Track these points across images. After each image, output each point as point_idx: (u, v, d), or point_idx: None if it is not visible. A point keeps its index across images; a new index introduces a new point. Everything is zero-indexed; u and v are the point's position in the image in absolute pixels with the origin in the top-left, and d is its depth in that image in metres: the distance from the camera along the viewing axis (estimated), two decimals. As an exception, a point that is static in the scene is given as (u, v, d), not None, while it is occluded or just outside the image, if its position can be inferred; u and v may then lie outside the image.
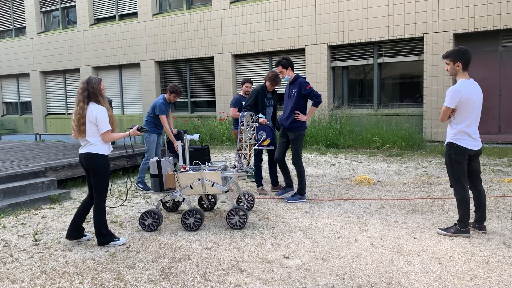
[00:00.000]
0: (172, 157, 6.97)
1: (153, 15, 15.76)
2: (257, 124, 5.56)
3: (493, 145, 10.34)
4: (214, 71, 14.67)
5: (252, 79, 7.81)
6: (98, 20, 17.39)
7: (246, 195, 5.61)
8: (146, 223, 4.86)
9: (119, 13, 16.77)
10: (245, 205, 5.52)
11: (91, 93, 4.30)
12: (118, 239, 4.52)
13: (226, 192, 4.91)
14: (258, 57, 14.09)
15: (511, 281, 3.30)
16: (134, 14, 16.31)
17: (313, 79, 12.88)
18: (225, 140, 12.57)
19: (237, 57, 14.38)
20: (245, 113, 5.23)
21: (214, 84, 14.65)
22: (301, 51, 13.22)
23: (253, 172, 5.32)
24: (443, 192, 6.26)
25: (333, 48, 12.84)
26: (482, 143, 10.99)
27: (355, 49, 12.56)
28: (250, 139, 5.27)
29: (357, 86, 12.93)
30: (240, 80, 14.34)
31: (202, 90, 15.18)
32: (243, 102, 7.52)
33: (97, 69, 17.48)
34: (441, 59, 4.67)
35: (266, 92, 6.60)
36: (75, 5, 17.68)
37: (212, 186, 4.87)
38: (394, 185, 6.85)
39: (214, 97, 14.73)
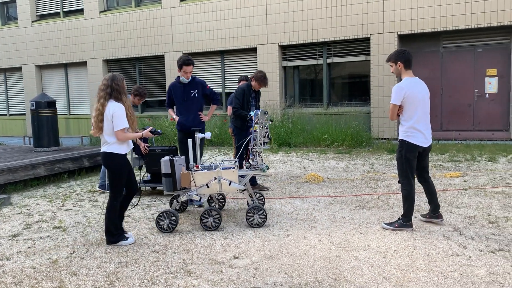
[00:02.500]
0: (139, 159, 6.80)
1: (100, 12, 15.26)
2: (270, 122, 5.53)
3: (435, 142, 10.85)
4: (164, 70, 14.42)
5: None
6: (42, 17, 16.62)
7: (216, 194, 5.54)
8: (163, 224, 4.73)
9: (64, 10, 16.11)
10: (216, 205, 5.45)
11: (114, 89, 4.21)
12: (127, 238, 4.39)
13: (243, 190, 4.89)
14: (209, 56, 13.99)
15: (450, 272, 3.46)
16: (80, 11, 15.72)
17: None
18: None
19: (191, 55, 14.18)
20: (259, 111, 5.20)
21: (165, 83, 14.39)
22: (253, 50, 13.27)
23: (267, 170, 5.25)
24: (388, 187, 6.48)
25: (284, 48, 12.98)
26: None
27: (305, 49, 12.76)
28: (265, 136, 5.24)
29: (308, 86, 13.15)
30: (192, 79, 14.17)
31: (152, 89, 14.88)
32: None
33: (40, 67, 16.70)
34: (385, 62, 4.86)
35: (251, 91, 6.64)
36: (15, 0, 16.78)
37: (230, 184, 4.79)
38: (343, 181, 7.02)
39: (165, 96, 14.47)
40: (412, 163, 4.47)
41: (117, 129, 4.18)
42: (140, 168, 6.81)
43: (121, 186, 4.39)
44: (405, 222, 4.51)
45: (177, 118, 6.04)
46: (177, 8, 14.02)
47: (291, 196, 6.18)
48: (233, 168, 4.92)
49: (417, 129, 4.42)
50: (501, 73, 10.91)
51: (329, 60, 12.53)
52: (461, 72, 11.26)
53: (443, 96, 11.48)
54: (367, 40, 11.90)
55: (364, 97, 12.28)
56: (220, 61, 13.87)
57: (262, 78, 6.57)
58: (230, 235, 4.56)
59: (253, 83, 6.65)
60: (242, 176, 5.00)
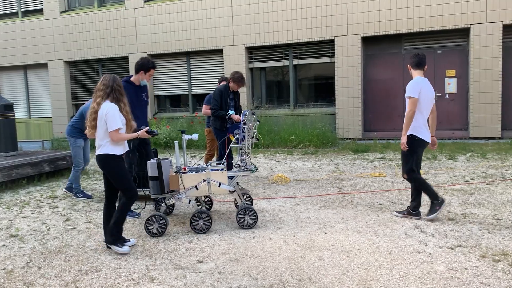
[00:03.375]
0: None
1: (61, 12, 14.82)
2: (257, 123, 5.50)
3: (398, 141, 11.11)
4: (129, 71, 14.14)
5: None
6: (-2, 16, 15.97)
7: (203, 197, 5.45)
8: (152, 228, 4.62)
9: (22, 9, 15.54)
10: (203, 207, 5.37)
11: (116, 90, 4.12)
12: (122, 246, 4.19)
13: (233, 192, 4.82)
14: (175, 57, 13.83)
15: (411, 269, 3.53)
16: (40, 11, 15.21)
17: (231, 80, 12.91)
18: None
19: (153, 57, 13.99)
20: (247, 111, 5.15)
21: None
22: (219, 52, 13.21)
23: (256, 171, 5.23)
24: (352, 187, 6.57)
25: (250, 50, 12.98)
26: (389, 140, 11.78)
27: (271, 51, 12.81)
28: (253, 137, 5.20)
29: (275, 87, 13.20)
30: (159, 79, 13.99)
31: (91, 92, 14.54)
32: None
33: (-2, 69, 16.04)
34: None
35: (229, 92, 6.61)
36: (-30, -1, 16.06)
37: (219, 186, 4.72)
38: (309, 182, 7.07)
39: (130, 98, 14.19)
40: (419, 157, 4.78)
41: (111, 130, 4.06)
42: None
43: (131, 184, 4.20)
44: (438, 203, 4.67)
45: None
46: (141, 9, 13.79)
47: (258, 198, 6.17)
48: (222, 169, 4.87)
49: (425, 126, 4.71)
50: (460, 74, 11.30)
51: (295, 62, 12.63)
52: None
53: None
54: (331, 42, 12.06)
55: (329, 98, 12.44)
56: (186, 63, 13.73)
57: (239, 79, 6.57)
58: (194, 239, 4.50)
59: (230, 84, 6.64)
60: (231, 177, 5.00)
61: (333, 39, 11.93)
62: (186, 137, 5.01)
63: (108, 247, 4.27)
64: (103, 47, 14.34)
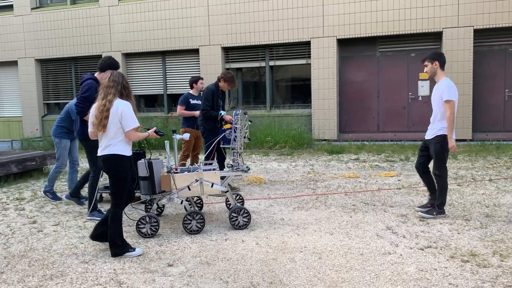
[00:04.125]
0: None
1: (32, 9, 14.42)
2: (249, 123, 5.42)
3: (372, 143, 11.24)
4: (103, 71, 13.85)
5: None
6: (-35, 12, 15.42)
7: (194, 197, 5.39)
8: (143, 229, 4.54)
9: (-9, 5, 15.05)
10: (193, 207, 5.27)
11: (125, 87, 4.02)
12: (134, 249, 4.05)
13: (226, 192, 4.77)
14: (150, 57, 13.64)
15: (381, 270, 3.54)
16: (10, 7, 14.76)
17: (208, 80, 12.79)
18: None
19: (128, 56, 13.77)
20: (239, 111, 5.08)
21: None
22: (195, 51, 13.10)
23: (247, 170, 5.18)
24: (326, 188, 6.59)
25: (227, 50, 12.92)
26: (363, 141, 11.88)
27: (248, 52, 12.77)
28: (245, 137, 5.13)
29: (251, 88, 13.17)
30: (134, 79, 13.76)
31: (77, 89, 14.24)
32: (191, 100, 7.29)
33: (-35, 66, 15.49)
34: (421, 62, 5.09)
35: (219, 92, 6.56)
36: None
37: (212, 186, 4.66)
38: (283, 183, 7.06)
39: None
40: (448, 155, 4.89)
41: (129, 129, 3.95)
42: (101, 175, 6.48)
43: (125, 192, 4.07)
44: (439, 211, 4.82)
45: None
46: (116, 7, 13.54)
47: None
48: (215, 169, 4.81)
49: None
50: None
51: (271, 63, 12.63)
52: (396, 76, 11.75)
53: (380, 99, 11.93)
54: (307, 43, 12.11)
55: (305, 99, 12.48)
56: (161, 62, 13.56)
57: (232, 79, 6.53)
58: (165, 242, 4.41)
59: (221, 83, 6.56)
60: (223, 178, 4.96)
61: (309, 41, 11.98)
62: (177, 136, 4.96)
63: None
64: (76, 45, 14.02)
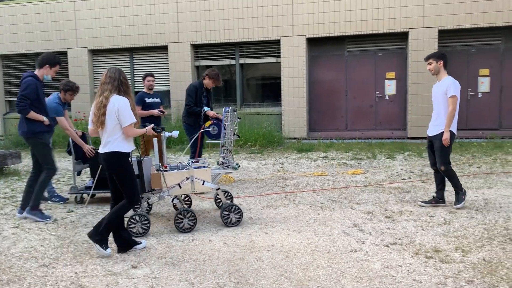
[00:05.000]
0: (80, 164, 6.15)
1: (-8, 1, 13.83)
2: (238, 120, 5.36)
3: (341, 141, 11.37)
4: (68, 67, 13.47)
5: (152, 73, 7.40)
6: None
7: (182, 195, 5.29)
8: (134, 228, 4.46)
9: None
10: (179, 206, 5.20)
11: (123, 83, 3.92)
12: (106, 248, 3.92)
13: (218, 189, 4.74)
14: (118, 53, 13.34)
15: (348, 268, 3.56)
16: (-32, -1, 14.11)
17: (177, 78, 12.66)
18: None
19: (94, 52, 13.43)
20: (229, 108, 4.99)
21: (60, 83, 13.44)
22: (164, 48, 12.89)
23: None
24: (295, 186, 6.60)
25: (196, 47, 12.78)
26: (332, 139, 11.98)
27: (218, 49, 12.68)
28: (234, 134, 5.05)
29: (222, 86, 13.07)
30: (100, 76, 13.41)
31: (54, 87, 13.80)
32: (146, 99, 7.01)
33: None
34: (424, 60, 5.25)
35: (203, 89, 6.51)
36: None
37: (203, 184, 4.62)
38: (253, 181, 7.03)
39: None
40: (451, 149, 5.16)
41: (126, 125, 3.85)
42: (79, 173, 6.21)
43: (136, 188, 3.96)
44: (463, 193, 5.11)
45: (46, 120, 5.18)
46: (81, 2, 13.16)
47: (200, 198, 6.03)
48: (206, 166, 4.75)
49: (456, 121, 5.05)
50: (399, 76, 11.74)
51: (241, 61, 12.58)
52: (363, 75, 11.93)
53: (348, 98, 12.08)
54: (277, 42, 12.13)
55: (276, 98, 12.50)
56: (129, 59, 13.28)
57: (217, 76, 6.52)
58: (130, 243, 4.29)
59: (206, 81, 6.53)
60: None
61: (279, 40, 12.00)
62: (166, 134, 4.88)
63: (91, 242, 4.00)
64: (39, 41, 13.56)
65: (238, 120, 5.41)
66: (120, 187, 3.95)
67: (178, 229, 4.55)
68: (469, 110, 11.50)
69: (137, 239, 4.27)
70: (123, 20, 12.94)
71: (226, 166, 5.06)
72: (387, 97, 11.87)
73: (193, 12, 12.43)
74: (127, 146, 3.94)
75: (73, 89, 6.04)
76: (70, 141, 5.99)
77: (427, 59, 5.15)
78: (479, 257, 3.64)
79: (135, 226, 4.45)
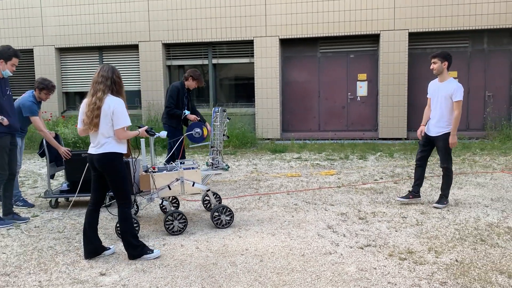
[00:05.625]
0: (54, 166, 5.84)
1: (-48, -4, 13.20)
2: (227, 120, 5.25)
3: (313, 141, 11.41)
4: (34, 65, 13.01)
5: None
6: None
7: (170, 196, 5.16)
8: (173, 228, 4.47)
9: None
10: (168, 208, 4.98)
11: (116, 83, 3.76)
12: (152, 251, 3.86)
13: (208, 191, 4.69)
14: (86, 52, 12.97)
15: (322, 271, 3.51)
16: None
17: (148, 77, 12.41)
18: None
19: (62, 50, 13.01)
20: (219, 108, 4.93)
21: (35, 80, 12.98)
22: (135, 47, 12.62)
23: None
24: (269, 188, 6.55)
25: (168, 46, 12.57)
26: (305, 140, 12.00)
27: (190, 49, 12.51)
28: (224, 135, 5.01)
29: (204, 86, 12.89)
30: (68, 75, 13.02)
31: (19, 86, 13.30)
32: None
33: None
34: (429, 58, 5.30)
35: (185, 90, 6.46)
36: None
37: (193, 185, 4.58)
38: (226, 183, 6.93)
39: (35, 95, 13.05)
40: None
41: (118, 127, 3.70)
42: (52, 177, 5.89)
43: (129, 190, 3.83)
44: (447, 201, 5.26)
45: (5, 120, 4.87)
46: (48, -2, 12.73)
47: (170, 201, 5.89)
48: (196, 168, 4.66)
49: None
50: (370, 77, 11.89)
51: (214, 61, 12.45)
52: (336, 76, 12.01)
53: (321, 99, 12.14)
54: (251, 42, 12.07)
55: (249, 98, 12.43)
56: (98, 58, 12.93)
57: (200, 77, 6.48)
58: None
59: (189, 82, 6.46)
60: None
61: (253, 40, 11.94)
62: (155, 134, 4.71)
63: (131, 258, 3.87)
64: (3, 38, 13.03)
65: (228, 120, 5.33)
66: (113, 189, 3.80)
67: (168, 232, 4.46)
68: (438, 111, 11.74)
69: (106, 245, 4.11)
70: (92, 17, 12.59)
71: (215, 167, 5.00)
72: (358, 98, 11.99)
73: (165, 11, 12.22)
74: (122, 147, 3.82)
75: (48, 87, 5.71)
76: (44, 142, 5.71)
77: (432, 57, 5.21)
78: (452, 258, 3.67)
79: (172, 224, 4.43)
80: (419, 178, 5.43)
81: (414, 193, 5.44)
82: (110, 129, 3.73)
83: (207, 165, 5.12)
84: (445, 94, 5.14)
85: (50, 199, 5.70)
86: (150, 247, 3.99)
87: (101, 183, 3.89)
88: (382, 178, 7.01)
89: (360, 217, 4.97)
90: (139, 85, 12.67)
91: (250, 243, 4.20)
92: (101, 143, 3.74)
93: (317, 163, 8.51)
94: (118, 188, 3.78)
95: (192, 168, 4.70)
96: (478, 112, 11.58)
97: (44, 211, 5.54)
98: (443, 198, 5.28)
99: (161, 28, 12.29)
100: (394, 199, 5.58)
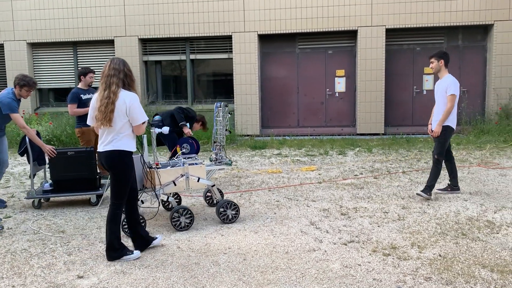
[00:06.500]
0: (36, 165, 5.58)
1: None
2: (229, 115, 5.19)
3: (293, 137, 11.40)
4: (4, 61, 12.56)
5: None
6: None
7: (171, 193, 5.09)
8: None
9: None
10: (171, 204, 5.01)
11: (128, 76, 3.63)
12: (132, 252, 3.77)
13: (213, 186, 4.67)
14: (60, 47, 12.59)
15: (307, 269, 3.47)
16: None
17: (124, 74, 12.13)
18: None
19: (34, 45, 12.61)
20: (221, 103, 4.93)
21: (6, 76, 12.55)
22: (110, 42, 12.32)
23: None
24: (250, 184, 6.49)
25: (144, 42, 12.32)
26: (284, 136, 11.99)
27: (167, 44, 12.30)
28: (226, 130, 4.97)
29: (172, 82, 12.72)
30: (41, 71, 12.63)
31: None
32: (82, 96, 6.34)
33: None
34: (428, 58, 5.50)
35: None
36: None
37: (198, 181, 4.54)
38: (206, 181, 6.83)
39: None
40: (448, 142, 5.46)
41: (138, 123, 3.64)
42: (33, 175, 5.63)
43: (126, 190, 3.73)
44: (430, 194, 5.36)
45: None
46: (18, -9, 12.29)
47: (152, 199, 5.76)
48: (201, 163, 4.61)
49: (455, 117, 5.36)
50: (348, 73, 11.94)
51: (192, 57, 12.27)
52: (314, 72, 12.02)
53: (299, 95, 12.13)
54: (229, 38, 11.94)
55: (228, 94, 12.32)
56: (72, 53, 12.58)
57: (206, 124, 6.93)
58: (75, 250, 3.98)
59: (196, 124, 6.73)
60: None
61: (231, 35, 11.81)
62: (156, 130, 4.68)
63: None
64: (-29, 31, 12.52)
65: (229, 115, 5.29)
66: (112, 186, 3.72)
67: (175, 228, 4.43)
68: (415, 106, 11.90)
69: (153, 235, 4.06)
70: (65, 12, 12.23)
71: (219, 163, 4.99)
72: (337, 94, 12.03)
73: (141, 5, 11.96)
74: (132, 145, 3.72)
75: (30, 84, 5.46)
76: (28, 140, 5.46)
77: (429, 58, 5.43)
78: (435, 253, 3.69)
79: (179, 220, 4.42)
80: (452, 172, 5.62)
81: (453, 186, 5.65)
82: (124, 125, 3.63)
83: (210, 160, 5.10)
84: (441, 89, 5.35)
85: (33, 199, 5.50)
86: (130, 248, 3.87)
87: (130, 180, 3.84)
88: (362, 173, 7.03)
89: (342, 212, 4.96)
90: (115, 81, 12.38)
91: (233, 241, 4.13)
92: (112, 140, 3.63)
93: (298, 159, 8.49)
94: (116, 186, 3.70)
95: (196, 164, 4.66)
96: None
97: (17, 212, 5.33)
98: (427, 189, 5.38)
99: (137, 23, 12.03)
100: (435, 192, 5.70)
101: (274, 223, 4.65)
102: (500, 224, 4.41)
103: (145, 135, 4.54)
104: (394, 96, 11.87)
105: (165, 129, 4.81)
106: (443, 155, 5.43)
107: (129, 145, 3.69)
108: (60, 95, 12.87)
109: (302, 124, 12.23)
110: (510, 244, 3.86)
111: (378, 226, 4.44)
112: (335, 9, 11.43)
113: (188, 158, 4.87)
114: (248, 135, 11.80)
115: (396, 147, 9.58)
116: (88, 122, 3.78)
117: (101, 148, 3.68)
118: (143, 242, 3.93)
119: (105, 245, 3.76)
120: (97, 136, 6.45)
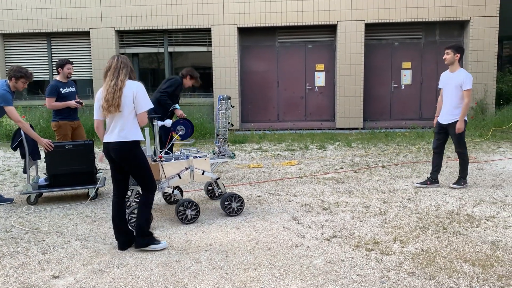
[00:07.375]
0: (31, 160, 5.32)
1: None
2: (231, 108, 4.98)
3: (273, 132, 11.36)
4: (-27, 52, 12.08)
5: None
6: None
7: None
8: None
9: None
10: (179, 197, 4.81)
11: (132, 71, 3.75)
12: (159, 242, 3.77)
13: (217, 179, 4.69)
14: (33, 38, 12.19)
15: (290, 265, 3.43)
16: None
17: (100, 66, 11.85)
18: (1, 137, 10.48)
19: (6, 36, 12.16)
20: (224, 96, 4.82)
21: (9, 69, 12.10)
22: (86, 34, 11.99)
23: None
24: (231, 179, 6.41)
25: (121, 34, 12.04)
26: (264, 130, 11.95)
27: (145, 36, 12.05)
28: (229, 123, 4.90)
29: (149, 75, 12.48)
30: (14, 63, 12.19)
31: (-42, 74, 12.33)
32: (61, 89, 6.01)
33: None
34: (444, 48, 5.54)
35: (181, 87, 6.52)
36: None
37: (203, 174, 4.55)
38: (186, 176, 6.72)
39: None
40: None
41: (143, 110, 3.68)
42: (25, 171, 5.36)
43: (152, 176, 3.78)
44: (465, 182, 5.59)
45: None
46: (-12, -21, 11.81)
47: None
48: (205, 156, 4.59)
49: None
50: (328, 68, 11.95)
51: (170, 49, 12.06)
52: (294, 66, 11.99)
53: (279, 89, 12.09)
54: (208, 30, 11.78)
55: (207, 88, 12.17)
56: (46, 45, 12.19)
57: (198, 77, 6.64)
58: (50, 249, 3.84)
59: (186, 80, 6.58)
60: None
61: (210, 28, 11.66)
62: (159, 123, 4.59)
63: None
64: None
65: (232, 108, 5.21)
66: (136, 178, 3.75)
67: (181, 221, 4.40)
68: (393, 101, 12.02)
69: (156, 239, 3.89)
70: (39, 1, 11.82)
71: (222, 155, 4.95)
72: (316, 89, 12.04)
73: (118, -4, 11.66)
74: (139, 134, 3.72)
75: (27, 75, 5.26)
76: (23, 134, 5.22)
77: (446, 48, 5.48)
78: (417, 248, 3.70)
79: (185, 213, 4.39)
80: (437, 165, 5.70)
81: (432, 179, 5.70)
82: (130, 113, 3.66)
83: (213, 154, 5.05)
84: (455, 84, 5.43)
85: (28, 195, 5.29)
86: (158, 240, 3.82)
87: (124, 173, 3.82)
88: (342, 168, 7.04)
89: (324, 207, 4.94)
90: (91, 74, 12.09)
91: (214, 238, 4.05)
92: (119, 130, 3.64)
93: (278, 154, 8.45)
94: (143, 175, 3.74)
95: (200, 157, 4.64)
96: (430, 102, 11.94)
97: (-12, 210, 5.12)
98: (461, 180, 5.62)
99: (113, 14, 11.74)
100: (413, 184, 5.82)
101: (256, 218, 4.59)
102: (479, 217, 4.46)
103: (147, 128, 4.47)
104: (372, 90, 11.95)
105: (168, 122, 4.77)
106: (465, 147, 5.54)
107: (137, 134, 3.71)
108: (34, 88, 12.48)
109: (282, 118, 12.20)
110: (490, 237, 3.90)
111: (360, 221, 4.44)
112: (315, 3, 11.40)
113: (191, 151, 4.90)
114: (229, 129, 11.68)
115: (375, 141, 9.65)
116: (95, 117, 3.78)
117: (108, 139, 3.69)
118: (126, 240, 3.81)
119: (136, 233, 3.76)
120: (73, 130, 6.26)
